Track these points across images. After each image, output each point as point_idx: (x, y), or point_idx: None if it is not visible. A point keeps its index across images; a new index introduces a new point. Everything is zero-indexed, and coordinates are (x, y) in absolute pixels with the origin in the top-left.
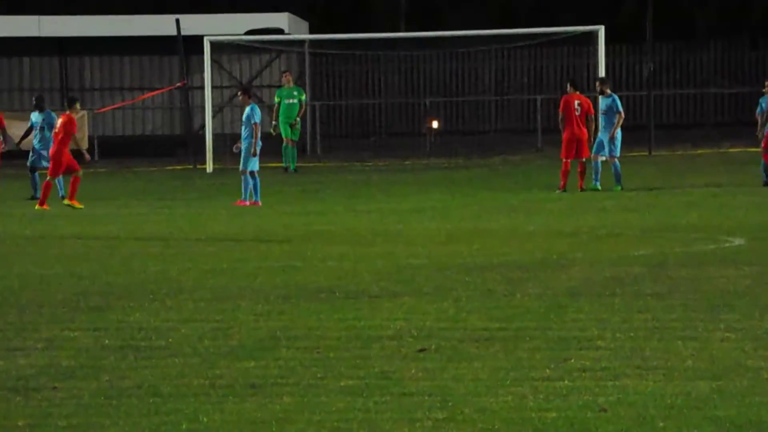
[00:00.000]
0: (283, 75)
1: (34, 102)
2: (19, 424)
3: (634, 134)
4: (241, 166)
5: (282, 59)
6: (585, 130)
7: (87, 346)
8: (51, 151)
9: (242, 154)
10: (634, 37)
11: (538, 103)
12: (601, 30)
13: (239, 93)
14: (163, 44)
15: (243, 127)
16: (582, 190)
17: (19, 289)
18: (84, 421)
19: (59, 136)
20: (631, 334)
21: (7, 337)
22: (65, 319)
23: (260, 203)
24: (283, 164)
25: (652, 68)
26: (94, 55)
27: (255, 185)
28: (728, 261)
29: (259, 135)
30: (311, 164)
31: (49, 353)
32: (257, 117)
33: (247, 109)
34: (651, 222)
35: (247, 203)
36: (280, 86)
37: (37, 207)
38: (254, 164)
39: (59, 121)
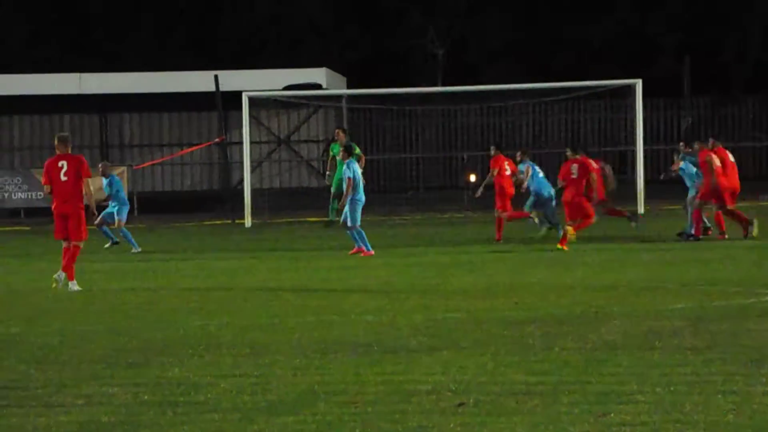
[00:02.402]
0: (336, 132)
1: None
2: None
3: (672, 187)
4: (349, 223)
5: (320, 114)
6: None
7: (126, 402)
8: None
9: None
10: (671, 90)
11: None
12: (639, 84)
13: (340, 152)
14: (201, 100)
15: (344, 184)
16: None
17: (58, 345)
18: None
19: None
20: (671, 389)
21: (47, 393)
22: (104, 375)
23: (363, 252)
24: (328, 217)
25: (690, 122)
26: (134, 112)
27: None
28: (767, 314)
29: (351, 188)
30: None
31: (89, 409)
32: (349, 172)
33: (344, 166)
34: (689, 275)
35: (365, 252)
36: (333, 141)
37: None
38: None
39: None
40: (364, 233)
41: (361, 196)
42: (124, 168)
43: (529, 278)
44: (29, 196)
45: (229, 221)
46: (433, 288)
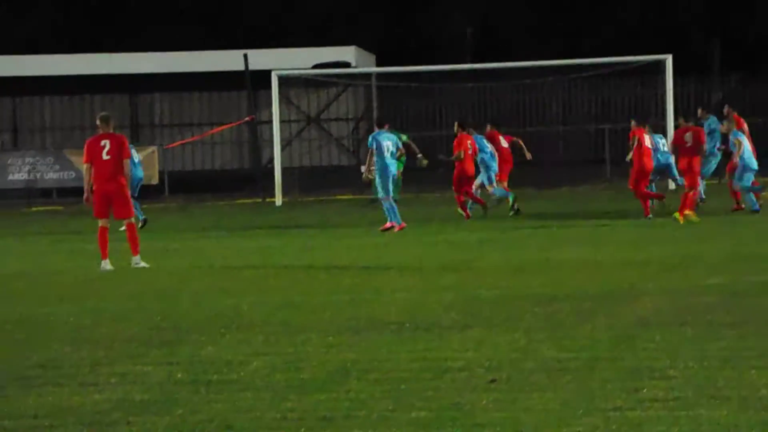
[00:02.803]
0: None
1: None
2: None
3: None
4: (379, 194)
5: (349, 92)
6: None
7: (160, 380)
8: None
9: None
10: (701, 67)
11: (606, 134)
12: (669, 59)
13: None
14: (231, 79)
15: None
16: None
17: (92, 324)
18: None
19: None
20: (704, 364)
21: (81, 372)
22: (138, 354)
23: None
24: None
25: (721, 97)
26: (164, 92)
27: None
28: None
29: (372, 158)
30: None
31: (123, 388)
32: (372, 143)
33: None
34: (722, 251)
35: (404, 225)
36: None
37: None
38: (384, 190)
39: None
40: (395, 207)
41: (390, 168)
42: (154, 148)
43: (561, 255)
44: (61, 176)
45: (260, 200)
46: (464, 265)
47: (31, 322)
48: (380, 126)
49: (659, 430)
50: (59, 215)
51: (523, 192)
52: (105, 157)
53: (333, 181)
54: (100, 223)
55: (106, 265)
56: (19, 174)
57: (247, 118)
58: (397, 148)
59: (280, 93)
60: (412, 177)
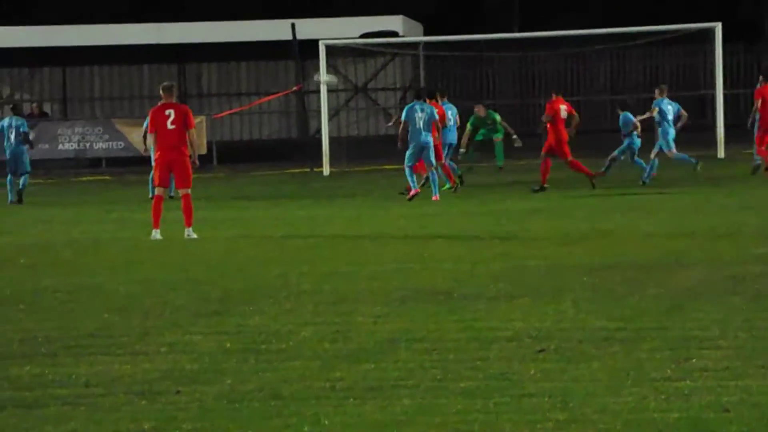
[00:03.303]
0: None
1: None
2: (145, 427)
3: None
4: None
5: (397, 62)
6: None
7: (209, 350)
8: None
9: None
10: (750, 35)
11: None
12: (718, 27)
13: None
14: (278, 49)
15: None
16: None
17: (141, 294)
18: (207, 425)
19: None
20: (753, 333)
21: (131, 341)
22: (187, 323)
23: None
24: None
25: None
26: (212, 61)
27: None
28: None
29: (403, 130)
30: None
31: (172, 357)
32: (403, 116)
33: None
34: None
35: (413, 190)
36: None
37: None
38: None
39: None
40: (414, 175)
41: (419, 140)
42: (202, 117)
43: (608, 225)
44: (110, 146)
45: (308, 170)
46: (511, 235)
47: (81, 291)
48: (418, 98)
49: (708, 400)
50: (108, 185)
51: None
52: (170, 126)
53: (380, 150)
54: (157, 191)
55: (157, 234)
56: (68, 144)
57: (294, 88)
58: (432, 121)
59: (327, 62)
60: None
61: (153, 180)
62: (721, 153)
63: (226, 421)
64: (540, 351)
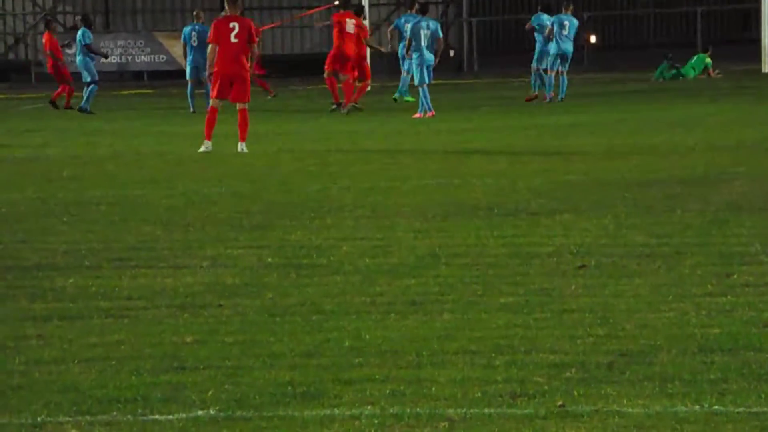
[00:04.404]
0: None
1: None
2: (187, 340)
3: None
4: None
5: None
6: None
7: (250, 264)
8: None
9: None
10: None
11: (698, 16)
12: None
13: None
14: None
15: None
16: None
17: (183, 207)
18: (249, 338)
19: None
20: None
21: (174, 255)
22: (228, 237)
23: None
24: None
25: None
26: None
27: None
28: None
29: (410, 47)
30: (468, 81)
31: (214, 271)
32: (406, 32)
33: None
34: None
35: (419, 114)
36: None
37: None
38: (420, 77)
39: None
40: (428, 94)
41: (424, 57)
42: None
43: (651, 139)
44: (152, 59)
45: None
46: (552, 150)
47: (124, 204)
48: (423, 12)
49: (750, 316)
50: (150, 98)
51: (611, 76)
52: (233, 39)
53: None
54: (212, 103)
55: (208, 146)
56: (111, 57)
57: (335, 2)
58: (435, 39)
59: None
60: (510, 60)
61: (209, 92)
62: (765, 67)
63: (267, 334)
64: (581, 267)
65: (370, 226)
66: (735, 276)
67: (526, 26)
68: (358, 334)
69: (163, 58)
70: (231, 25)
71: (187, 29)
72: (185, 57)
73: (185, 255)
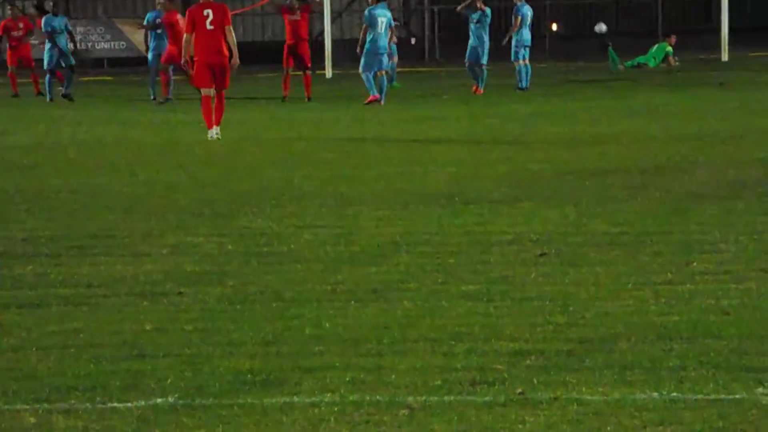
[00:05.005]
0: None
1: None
2: (147, 328)
3: (755, 35)
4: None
5: None
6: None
7: (211, 251)
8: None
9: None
10: None
11: (659, 4)
12: None
13: None
14: None
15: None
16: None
17: (144, 195)
18: (209, 326)
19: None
20: (755, 237)
21: (134, 242)
22: (190, 225)
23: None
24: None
25: None
26: None
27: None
28: None
29: (366, 37)
30: (431, 69)
31: (175, 259)
32: (366, 18)
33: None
34: None
35: (377, 96)
36: None
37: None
38: (368, 66)
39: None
40: (372, 79)
41: (380, 43)
42: None
43: (612, 128)
44: (112, 46)
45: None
46: (514, 139)
47: (85, 192)
48: (378, 0)
49: (709, 303)
50: (110, 85)
51: (573, 65)
52: (209, 27)
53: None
54: (203, 92)
55: (213, 133)
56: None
57: None
58: (389, 27)
59: None
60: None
61: (193, 82)
62: (725, 56)
63: (228, 322)
64: (541, 254)
65: (331, 214)
66: (695, 264)
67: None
68: (318, 322)
69: (122, 45)
70: (205, 12)
71: (150, 15)
72: (147, 44)
73: (146, 243)
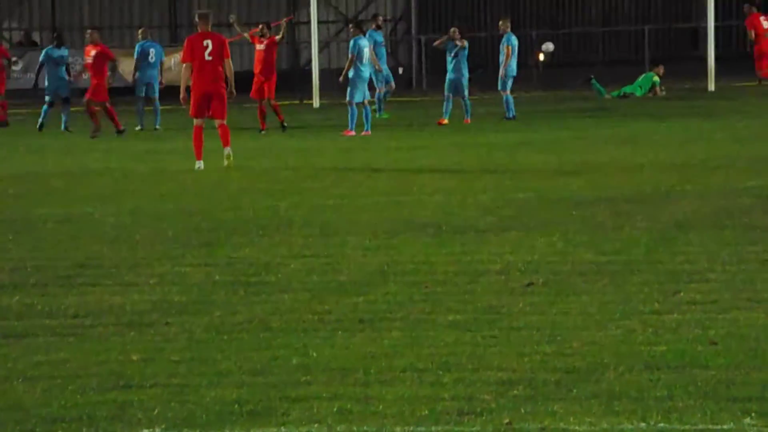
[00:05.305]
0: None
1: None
2: (134, 358)
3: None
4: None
5: None
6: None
7: (198, 281)
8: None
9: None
10: None
11: (646, 33)
12: None
13: (352, 28)
14: None
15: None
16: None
17: (131, 224)
18: (196, 356)
19: None
20: (742, 267)
21: (120, 272)
22: (177, 255)
23: (369, 132)
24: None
25: None
26: None
27: (365, 115)
28: None
29: (352, 65)
30: (418, 99)
31: (162, 289)
32: (354, 48)
33: (351, 42)
34: (761, 152)
35: (353, 133)
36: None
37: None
38: (358, 95)
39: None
40: (356, 113)
41: (363, 75)
42: None
43: (599, 157)
44: None
45: (297, 101)
46: (502, 168)
47: (71, 222)
48: (362, 31)
49: (696, 333)
50: (98, 115)
51: (560, 94)
52: (207, 57)
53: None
54: (196, 122)
55: (201, 165)
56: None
57: (285, 19)
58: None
59: None
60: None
61: (189, 110)
62: (711, 86)
63: (215, 352)
64: (529, 284)
65: (318, 244)
66: (682, 294)
67: (437, 44)
68: (305, 352)
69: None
70: (205, 42)
71: (141, 45)
72: (135, 73)
73: (132, 273)
